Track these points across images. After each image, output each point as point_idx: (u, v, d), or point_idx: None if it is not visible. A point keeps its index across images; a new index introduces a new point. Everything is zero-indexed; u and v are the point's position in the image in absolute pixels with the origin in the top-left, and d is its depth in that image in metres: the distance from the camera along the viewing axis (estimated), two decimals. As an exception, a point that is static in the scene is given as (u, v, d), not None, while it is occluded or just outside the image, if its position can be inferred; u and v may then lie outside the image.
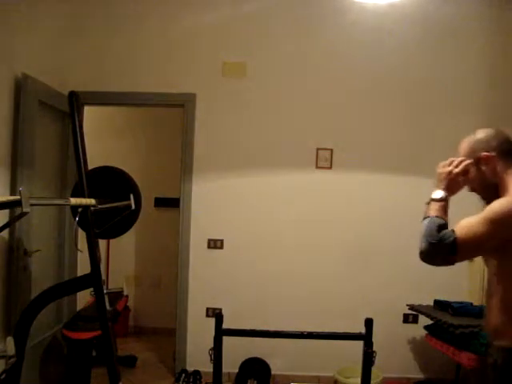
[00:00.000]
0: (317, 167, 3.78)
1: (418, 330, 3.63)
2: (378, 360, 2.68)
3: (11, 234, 2.87)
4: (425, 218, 1.56)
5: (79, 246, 2.74)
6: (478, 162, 1.64)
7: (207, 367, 3.14)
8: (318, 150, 3.78)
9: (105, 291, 2.52)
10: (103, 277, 2.55)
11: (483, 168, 1.63)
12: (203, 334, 3.28)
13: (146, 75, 3.83)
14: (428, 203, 1.63)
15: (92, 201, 2.40)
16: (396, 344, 3.69)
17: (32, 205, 1.83)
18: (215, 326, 2.69)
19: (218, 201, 3.81)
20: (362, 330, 2.68)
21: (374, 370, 2.70)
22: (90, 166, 2.72)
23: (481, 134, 1.69)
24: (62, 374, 3.32)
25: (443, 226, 1.50)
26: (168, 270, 4.44)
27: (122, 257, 4.96)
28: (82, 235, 2.64)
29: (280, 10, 3.80)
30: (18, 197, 1.77)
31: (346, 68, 3.79)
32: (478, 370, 2.80)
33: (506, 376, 1.51)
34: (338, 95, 3.80)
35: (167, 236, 4.64)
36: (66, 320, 3.44)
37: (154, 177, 4.84)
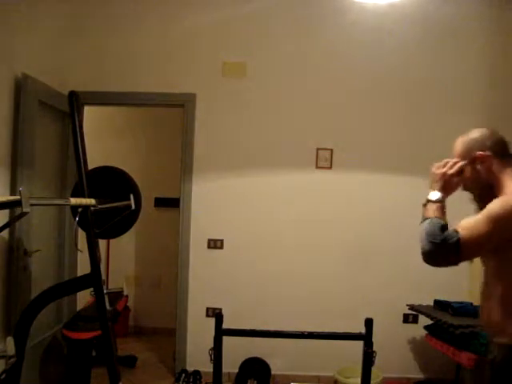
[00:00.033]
0: (317, 167, 3.78)
1: (418, 330, 3.63)
2: (377, 360, 2.68)
3: (11, 234, 2.87)
4: (424, 220, 1.56)
5: (79, 246, 2.74)
6: (473, 160, 1.65)
7: (207, 367, 3.14)
8: (317, 149, 3.78)
9: (105, 291, 2.52)
10: (103, 277, 2.55)
11: (478, 167, 1.64)
12: (203, 334, 3.29)
13: (146, 75, 3.83)
14: (425, 205, 1.64)
15: (92, 201, 2.40)
16: (396, 344, 3.69)
17: (32, 205, 1.83)
18: (215, 326, 2.69)
19: (218, 201, 3.81)
20: (362, 330, 2.68)
21: (374, 370, 2.70)
22: (90, 166, 2.72)
23: (476, 133, 1.69)
24: (62, 374, 3.32)
25: (445, 227, 1.51)
26: (168, 269, 4.44)
27: (122, 257, 4.96)
28: (82, 235, 2.64)
29: (280, 10, 3.80)
30: (18, 197, 1.77)
31: (346, 68, 3.79)
32: (476, 369, 2.80)
33: (505, 372, 1.52)
34: (338, 95, 3.80)
35: (167, 236, 4.64)
36: (66, 320, 3.44)
37: (154, 177, 4.84)
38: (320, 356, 3.66)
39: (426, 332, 3.41)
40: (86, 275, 2.58)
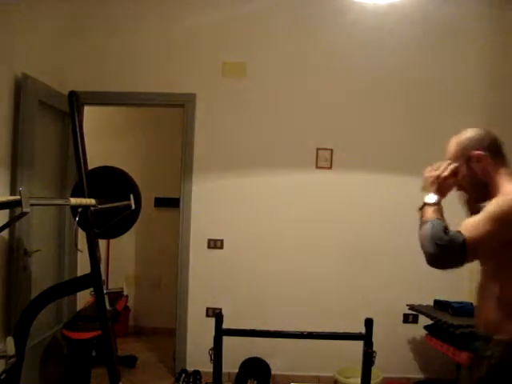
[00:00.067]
0: (317, 167, 3.78)
1: (418, 330, 3.63)
2: (377, 360, 2.68)
3: (11, 234, 2.87)
4: (424, 223, 1.55)
5: (79, 246, 2.74)
6: (468, 159, 1.66)
7: (207, 367, 3.14)
8: (317, 149, 3.78)
9: (105, 291, 2.52)
10: (103, 277, 2.55)
11: (474, 166, 1.65)
12: (203, 334, 3.29)
13: (146, 75, 3.83)
14: (421, 208, 1.63)
15: (92, 201, 2.40)
16: (396, 344, 3.69)
17: (32, 205, 1.83)
18: (215, 326, 2.69)
19: (218, 201, 3.81)
20: (362, 330, 2.68)
21: (373, 370, 2.70)
22: (90, 166, 2.72)
23: (471, 132, 1.70)
24: (62, 374, 3.32)
25: (447, 228, 1.50)
26: (168, 269, 4.44)
27: (122, 257, 4.96)
28: (82, 235, 2.64)
29: (280, 10, 3.80)
30: (18, 197, 1.77)
31: (346, 68, 3.79)
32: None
33: (504, 368, 1.53)
34: (338, 95, 3.80)
35: (167, 236, 4.64)
36: (66, 320, 3.44)
37: (154, 177, 4.84)
38: (320, 356, 3.66)
39: (425, 332, 3.41)
40: (85, 275, 2.58)
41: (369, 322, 2.67)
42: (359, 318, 2.74)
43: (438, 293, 3.47)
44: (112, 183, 2.98)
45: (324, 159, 3.78)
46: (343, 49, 3.79)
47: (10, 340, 1.97)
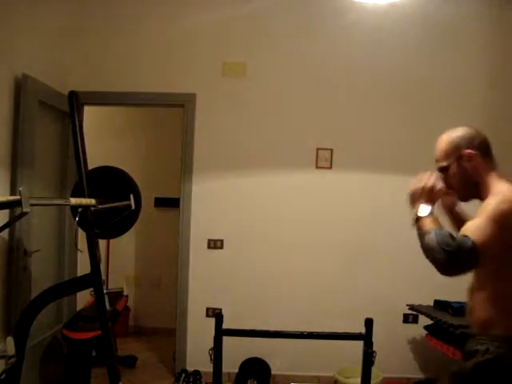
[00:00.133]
0: (317, 167, 3.78)
1: (418, 330, 3.63)
2: (377, 360, 2.68)
3: (11, 234, 2.87)
4: (426, 234, 1.54)
5: (79, 246, 2.74)
6: (459, 158, 1.67)
7: (207, 367, 3.14)
8: (317, 150, 3.78)
9: (105, 291, 2.53)
10: (103, 277, 2.55)
11: (465, 165, 1.66)
12: (203, 334, 3.29)
13: (146, 75, 3.83)
14: (416, 222, 1.62)
15: (92, 201, 2.40)
16: (396, 344, 3.69)
17: (32, 205, 1.83)
18: (215, 326, 2.69)
19: (218, 201, 3.81)
20: (362, 330, 2.68)
21: (374, 370, 2.70)
22: (90, 166, 2.73)
23: (461, 131, 1.72)
24: (62, 374, 3.32)
25: (452, 235, 1.51)
26: (168, 269, 4.44)
27: (122, 257, 4.96)
28: (82, 235, 2.64)
29: (280, 10, 3.80)
30: (18, 197, 1.77)
31: (346, 68, 3.79)
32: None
33: (500, 360, 1.54)
34: (338, 95, 3.80)
35: (167, 236, 4.64)
36: (66, 320, 3.44)
37: (154, 177, 4.84)
38: (320, 356, 3.66)
39: (425, 332, 3.41)
40: (85, 275, 2.58)
41: (369, 322, 2.67)
42: (359, 317, 2.74)
43: (438, 293, 3.47)
44: (112, 183, 2.98)
45: (324, 159, 3.78)
46: (343, 49, 3.79)
47: (10, 340, 1.97)
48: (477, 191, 1.67)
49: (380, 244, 3.71)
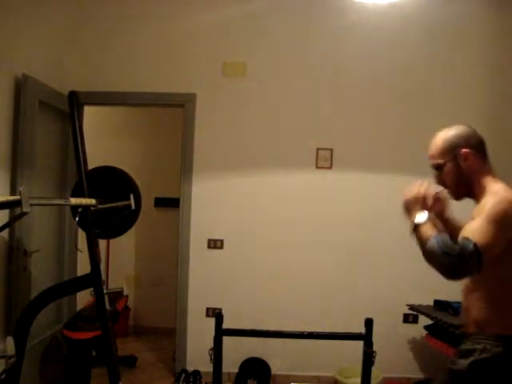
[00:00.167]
0: (317, 167, 3.78)
1: (418, 330, 3.63)
2: (377, 360, 2.68)
3: (11, 234, 2.87)
4: (426, 241, 1.52)
5: (79, 246, 2.74)
6: (456, 157, 1.68)
7: (207, 367, 3.14)
8: (317, 150, 3.78)
9: (105, 291, 2.53)
10: (103, 277, 2.56)
11: (461, 164, 1.67)
12: (203, 334, 3.29)
13: (146, 75, 3.83)
14: (415, 230, 1.61)
15: (92, 201, 2.41)
16: (396, 344, 3.69)
17: (32, 205, 1.83)
18: (215, 326, 2.69)
19: (218, 201, 3.81)
20: (362, 330, 2.68)
21: (373, 370, 2.70)
22: (90, 166, 2.73)
23: (457, 129, 1.73)
24: (62, 373, 3.32)
25: (453, 239, 1.50)
26: (168, 269, 4.44)
27: (122, 257, 4.96)
28: (82, 235, 2.64)
29: (280, 10, 3.80)
30: (18, 197, 1.78)
31: (346, 68, 3.79)
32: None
33: (496, 360, 1.55)
34: (337, 95, 3.80)
35: (167, 236, 4.64)
36: (66, 320, 3.44)
37: (154, 177, 4.84)
38: (320, 356, 3.66)
39: (425, 332, 3.41)
40: (86, 275, 2.58)
41: (369, 322, 2.67)
42: (359, 317, 2.74)
43: (438, 293, 3.47)
44: (112, 183, 2.98)
45: (324, 159, 3.78)
46: (343, 49, 3.79)
47: (10, 340, 1.97)
48: (471, 190, 1.68)
49: (380, 244, 3.71)
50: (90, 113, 3.94)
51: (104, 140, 4.71)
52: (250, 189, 3.80)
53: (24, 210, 1.78)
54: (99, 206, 2.47)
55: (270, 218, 3.78)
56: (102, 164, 3.12)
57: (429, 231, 1.55)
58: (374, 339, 2.66)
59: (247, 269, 3.79)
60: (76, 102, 2.62)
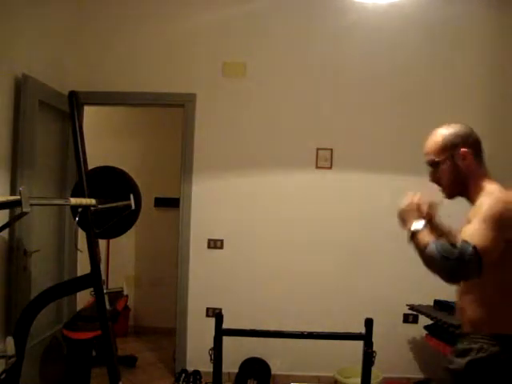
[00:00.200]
0: (317, 167, 3.78)
1: (418, 330, 3.63)
2: (377, 360, 2.68)
3: (11, 234, 2.87)
4: (425, 247, 1.52)
5: (79, 246, 2.74)
6: (454, 156, 1.67)
7: (207, 367, 3.14)
8: (317, 150, 3.78)
9: (105, 291, 2.53)
10: (103, 277, 2.56)
11: (459, 163, 1.67)
12: (203, 334, 3.29)
13: (146, 75, 3.83)
14: (412, 238, 1.61)
15: (92, 201, 2.41)
16: (396, 344, 3.69)
17: (32, 205, 1.83)
18: (215, 326, 2.69)
19: (218, 201, 3.81)
20: (362, 330, 2.68)
21: (373, 370, 2.70)
22: (90, 166, 2.73)
23: (455, 128, 1.73)
24: (62, 373, 3.32)
25: (452, 243, 1.51)
26: (168, 269, 4.44)
27: (122, 257, 4.96)
28: (82, 235, 2.64)
29: (280, 10, 3.80)
30: (18, 197, 1.78)
31: (346, 68, 3.79)
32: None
33: (493, 359, 1.55)
34: (337, 95, 3.80)
35: (167, 236, 4.64)
36: (66, 320, 3.44)
37: (154, 177, 4.84)
38: (320, 356, 3.66)
39: (425, 332, 3.41)
40: (86, 275, 2.58)
41: (369, 322, 2.67)
42: (359, 317, 2.74)
43: (438, 293, 3.46)
44: (112, 183, 2.98)
45: (324, 159, 3.78)
46: (343, 49, 3.79)
47: (10, 340, 1.97)
48: (466, 190, 1.68)
49: (380, 244, 3.71)
50: (90, 113, 3.94)
51: (104, 140, 4.71)
52: (250, 189, 3.80)
53: (24, 210, 1.78)
54: (99, 206, 2.47)
55: (269, 218, 3.79)
56: (102, 164, 3.12)
57: (426, 237, 1.55)
58: (374, 339, 2.66)
59: (247, 269, 3.79)
60: (76, 102, 2.62)
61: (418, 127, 3.72)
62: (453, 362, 1.64)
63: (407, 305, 3.51)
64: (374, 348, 2.64)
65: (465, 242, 1.45)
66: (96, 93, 3.75)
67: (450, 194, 1.74)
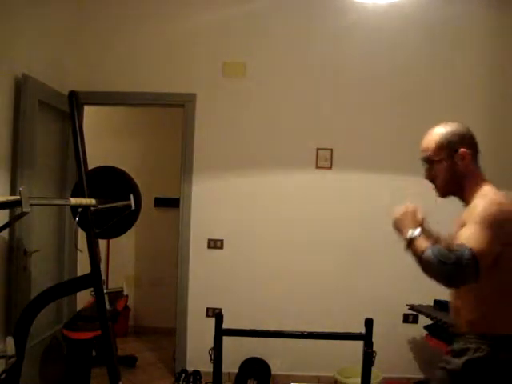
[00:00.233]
0: (317, 167, 3.78)
1: (418, 330, 3.63)
2: (377, 360, 2.68)
3: (11, 234, 2.87)
4: (422, 253, 1.51)
5: (79, 246, 2.74)
6: (453, 155, 1.67)
7: (207, 367, 3.14)
8: (317, 150, 3.78)
9: (105, 291, 2.53)
10: (103, 277, 2.56)
11: (458, 163, 1.67)
12: (203, 334, 3.29)
13: (146, 75, 3.83)
14: (409, 245, 1.59)
15: (92, 201, 2.41)
16: (396, 344, 3.69)
17: (32, 205, 1.83)
18: (215, 326, 2.69)
19: (218, 201, 3.81)
20: (362, 330, 2.68)
21: (374, 370, 2.70)
22: (90, 166, 2.73)
23: (452, 127, 1.72)
24: (62, 373, 3.32)
25: (448, 247, 1.50)
26: (168, 269, 4.44)
27: (122, 257, 4.96)
28: (82, 235, 2.63)
29: (280, 10, 3.80)
30: (18, 197, 1.78)
31: (346, 68, 3.79)
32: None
33: (490, 359, 1.55)
34: (337, 95, 3.80)
35: (167, 236, 4.64)
36: (66, 320, 3.44)
37: (154, 177, 4.84)
38: (320, 356, 3.66)
39: (425, 332, 3.41)
40: (86, 275, 2.58)
41: (369, 322, 2.67)
42: (359, 317, 2.74)
43: (438, 293, 3.45)
44: (112, 183, 2.98)
45: (324, 159, 3.78)
46: (343, 49, 3.79)
47: (10, 340, 1.97)
48: (460, 189, 1.68)
49: (380, 244, 3.70)
50: (90, 113, 3.94)
51: (104, 140, 4.71)
52: (250, 189, 3.80)
53: (24, 210, 1.78)
54: (99, 206, 2.47)
55: (269, 218, 3.79)
56: (102, 164, 3.12)
57: (423, 244, 1.54)
58: (374, 339, 2.66)
59: (247, 269, 3.79)
60: (76, 102, 2.62)
61: (418, 127, 3.70)
62: (450, 362, 1.64)
63: (407, 305, 3.51)
64: (374, 348, 2.64)
65: (461, 245, 1.45)
66: (96, 93, 3.75)
67: (444, 193, 1.74)
